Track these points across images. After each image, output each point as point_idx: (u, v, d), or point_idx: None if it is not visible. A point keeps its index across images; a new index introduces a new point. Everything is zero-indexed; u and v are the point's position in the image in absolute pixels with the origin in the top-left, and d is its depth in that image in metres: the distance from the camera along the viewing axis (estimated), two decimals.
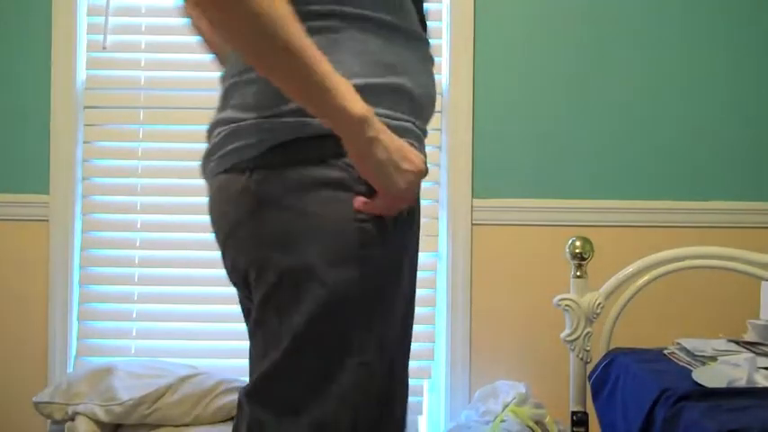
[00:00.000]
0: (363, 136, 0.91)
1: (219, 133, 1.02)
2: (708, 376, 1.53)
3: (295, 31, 0.88)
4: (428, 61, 1.10)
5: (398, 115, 1.00)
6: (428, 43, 1.11)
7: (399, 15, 1.04)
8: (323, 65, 0.89)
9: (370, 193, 0.95)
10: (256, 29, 0.87)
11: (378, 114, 0.94)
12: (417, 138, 1.04)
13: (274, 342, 0.98)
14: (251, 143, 0.98)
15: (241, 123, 0.99)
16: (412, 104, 1.04)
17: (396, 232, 1.00)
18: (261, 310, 1.00)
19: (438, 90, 2.25)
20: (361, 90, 0.94)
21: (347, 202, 0.95)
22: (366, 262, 0.96)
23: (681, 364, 1.70)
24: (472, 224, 2.25)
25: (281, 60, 0.89)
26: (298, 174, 0.96)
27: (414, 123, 1.03)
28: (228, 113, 1.02)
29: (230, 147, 1.00)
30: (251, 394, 1.01)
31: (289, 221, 0.96)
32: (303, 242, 0.96)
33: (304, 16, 0.93)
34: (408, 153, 0.95)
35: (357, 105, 0.90)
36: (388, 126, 0.96)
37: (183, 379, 1.95)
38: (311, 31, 0.92)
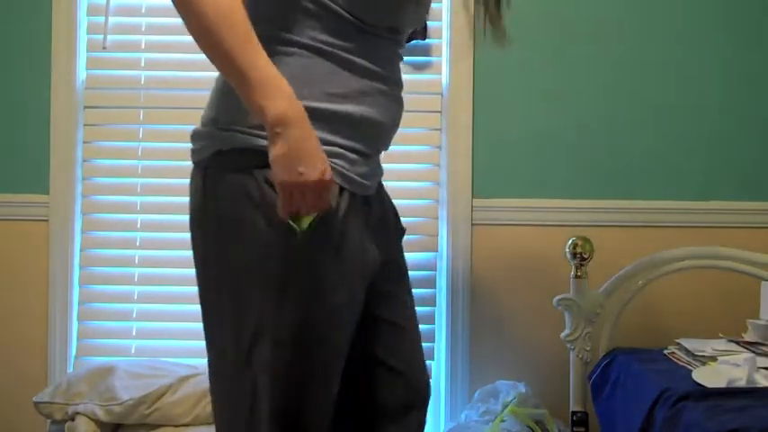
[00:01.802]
0: (272, 131, 1.07)
1: (192, 133, 1.26)
2: (708, 376, 1.54)
3: (233, 37, 1.06)
4: (382, 95, 1.24)
5: (329, 138, 1.16)
6: (388, 80, 1.25)
7: (362, 53, 1.21)
8: (255, 70, 1.06)
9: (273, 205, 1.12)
10: (200, 29, 1.07)
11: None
12: (350, 160, 1.20)
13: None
14: (203, 146, 1.21)
15: (198, 129, 1.24)
16: (353, 130, 1.19)
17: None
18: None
19: (438, 90, 2.27)
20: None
21: (256, 210, 1.14)
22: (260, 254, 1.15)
23: (681, 364, 1.70)
24: (472, 224, 2.25)
25: (222, 62, 1.08)
26: (229, 177, 1.17)
27: (348, 148, 1.19)
28: (201, 117, 1.25)
29: (193, 146, 1.24)
30: None
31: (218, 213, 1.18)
32: (217, 230, 1.18)
33: (264, 40, 1.10)
34: (312, 163, 1.08)
35: (277, 106, 1.06)
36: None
37: (183, 379, 1.95)
38: (270, 55, 1.11)
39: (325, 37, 1.18)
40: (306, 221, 1.11)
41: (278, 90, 1.07)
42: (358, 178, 1.21)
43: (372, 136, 1.24)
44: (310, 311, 1.16)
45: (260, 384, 1.15)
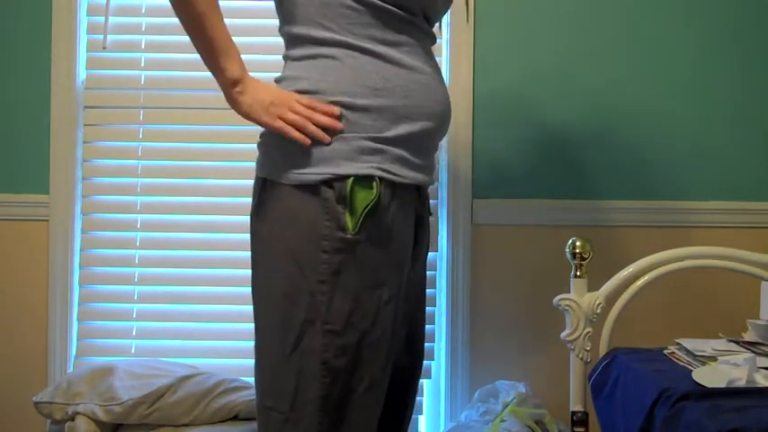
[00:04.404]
0: (233, 90, 1.26)
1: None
2: (708, 376, 1.53)
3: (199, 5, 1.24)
4: (425, 86, 1.30)
5: (376, 135, 1.24)
6: (430, 72, 1.32)
7: (397, 49, 1.27)
8: (216, 39, 1.25)
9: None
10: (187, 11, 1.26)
11: (358, 133, 1.24)
12: (397, 155, 1.26)
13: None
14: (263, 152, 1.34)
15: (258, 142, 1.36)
16: (401, 122, 1.26)
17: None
18: None
19: None
20: (349, 107, 1.23)
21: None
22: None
23: (681, 364, 1.70)
24: (472, 224, 2.25)
25: (189, 27, 1.29)
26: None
27: (397, 141, 1.26)
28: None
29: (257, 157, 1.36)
30: None
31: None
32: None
33: (308, 41, 1.25)
34: (277, 96, 1.26)
35: (231, 71, 1.25)
36: (365, 145, 1.24)
37: (183, 379, 1.95)
38: (314, 56, 1.25)
39: (367, 32, 1.24)
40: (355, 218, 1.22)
41: (231, 55, 1.25)
42: (411, 172, 1.28)
43: (423, 129, 1.29)
44: (360, 302, 1.23)
45: (308, 370, 1.22)
